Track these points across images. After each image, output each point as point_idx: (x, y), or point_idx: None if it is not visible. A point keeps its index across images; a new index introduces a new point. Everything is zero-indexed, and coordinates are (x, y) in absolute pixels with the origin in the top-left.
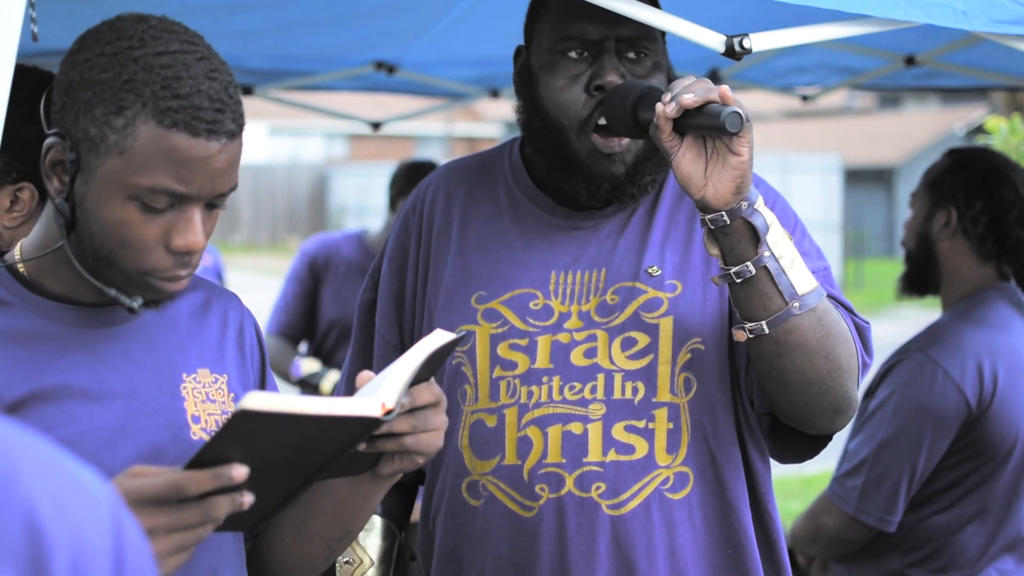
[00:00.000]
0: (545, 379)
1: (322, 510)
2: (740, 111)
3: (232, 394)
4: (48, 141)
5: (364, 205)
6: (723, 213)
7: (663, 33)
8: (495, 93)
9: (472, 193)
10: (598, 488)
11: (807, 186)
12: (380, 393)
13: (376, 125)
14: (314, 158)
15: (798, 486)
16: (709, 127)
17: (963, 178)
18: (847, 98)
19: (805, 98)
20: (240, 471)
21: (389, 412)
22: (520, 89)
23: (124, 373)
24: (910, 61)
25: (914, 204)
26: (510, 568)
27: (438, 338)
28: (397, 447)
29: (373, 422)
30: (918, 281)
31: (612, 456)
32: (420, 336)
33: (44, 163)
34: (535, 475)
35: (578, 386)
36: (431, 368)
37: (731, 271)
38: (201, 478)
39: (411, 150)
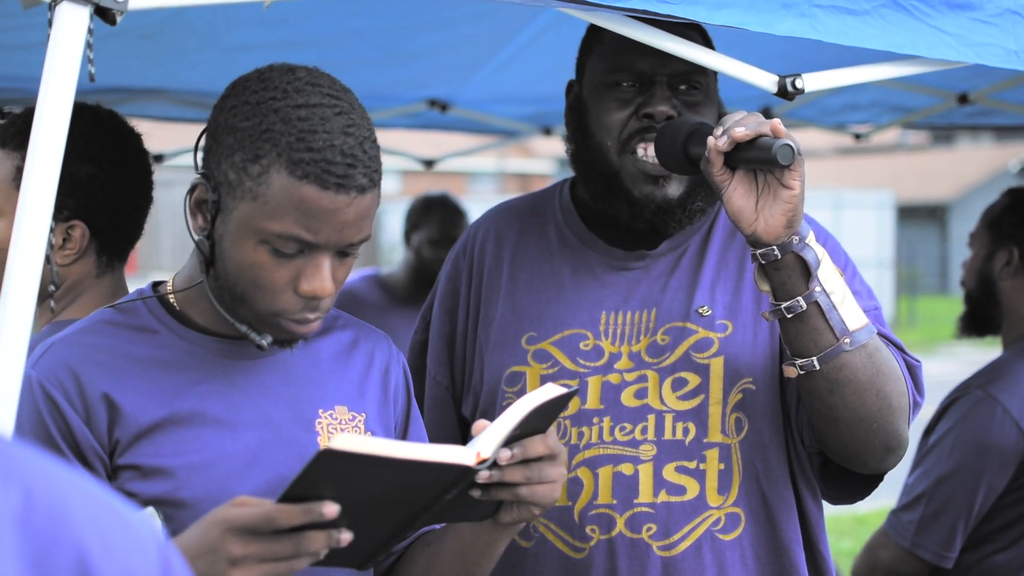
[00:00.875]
0: (595, 420)
1: (448, 552)
2: (792, 144)
3: (369, 432)
4: (194, 180)
5: None
6: (774, 247)
7: None
8: (548, 130)
9: (523, 234)
10: (649, 529)
11: (860, 223)
12: (478, 443)
13: (429, 163)
14: None
15: (850, 524)
16: (760, 160)
17: (1023, 216)
18: (900, 135)
19: (858, 136)
20: (330, 508)
21: (483, 461)
22: (570, 120)
23: (260, 404)
24: (963, 99)
25: (973, 244)
26: None
27: (548, 391)
28: (511, 497)
29: (466, 470)
30: (978, 321)
31: (663, 497)
32: (471, 378)
33: (190, 201)
34: (586, 516)
35: (628, 427)
36: (546, 420)
37: (782, 306)
38: (292, 512)
39: (463, 186)
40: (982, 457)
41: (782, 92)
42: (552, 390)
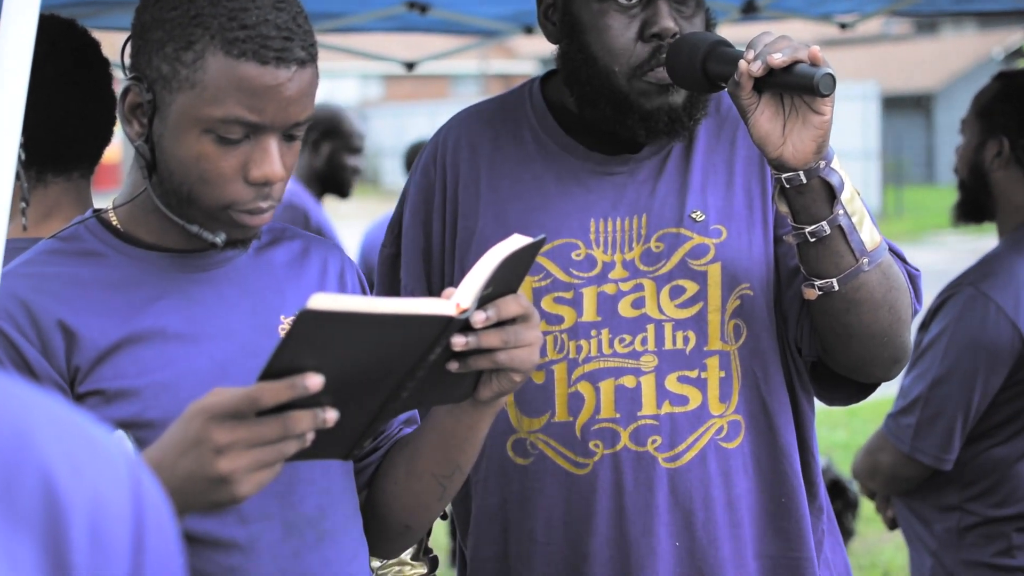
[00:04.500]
0: (593, 332)
1: (429, 445)
2: (833, 72)
3: None
4: (124, 85)
5: (401, 145)
6: (800, 172)
7: None
8: (529, 29)
9: (497, 140)
10: (654, 441)
11: (845, 114)
12: (456, 295)
13: (410, 65)
14: (350, 100)
15: (842, 416)
16: (797, 87)
17: (1014, 106)
18: (884, 25)
19: (843, 26)
20: (315, 380)
21: (464, 312)
22: (560, 36)
23: (220, 315)
24: None
25: (964, 132)
26: (562, 526)
27: (515, 241)
28: (490, 364)
29: (448, 323)
30: (972, 210)
31: (667, 408)
32: None
33: (123, 108)
34: (588, 431)
35: (628, 338)
36: (514, 277)
37: (806, 230)
38: (276, 388)
39: (446, 89)
40: (976, 357)
41: None
42: (520, 240)
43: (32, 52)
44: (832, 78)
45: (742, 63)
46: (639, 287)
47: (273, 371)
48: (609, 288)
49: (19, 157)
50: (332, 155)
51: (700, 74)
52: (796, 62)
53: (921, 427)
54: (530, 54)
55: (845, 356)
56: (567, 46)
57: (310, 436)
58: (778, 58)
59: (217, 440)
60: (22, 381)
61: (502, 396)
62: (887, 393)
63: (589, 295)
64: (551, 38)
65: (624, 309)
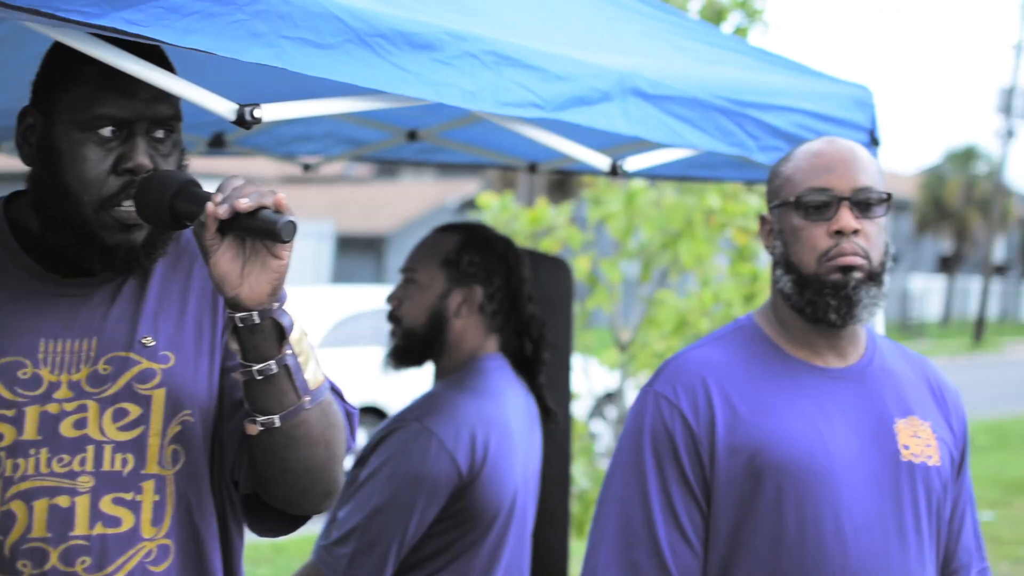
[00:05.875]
0: (32, 451)
1: None
2: (295, 220)
3: None
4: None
5: None
6: (254, 313)
7: None
8: None
9: None
10: (83, 562)
11: (300, 251)
12: None
13: None
14: None
15: (268, 552)
16: (260, 232)
17: (484, 256)
18: (345, 167)
19: (307, 167)
20: None
21: None
22: (36, 159)
23: None
24: (412, 136)
25: (420, 279)
26: None
27: None
28: None
29: None
30: (418, 354)
31: (99, 529)
32: None
33: None
34: (18, 551)
35: (67, 458)
36: None
37: (254, 368)
38: None
39: None
40: (417, 488)
41: (240, 121)
42: None
43: None
44: (293, 226)
45: (209, 205)
46: (83, 408)
47: None
48: (52, 408)
49: None
50: None
51: (167, 211)
52: (261, 208)
53: (356, 556)
54: None
55: (280, 489)
56: (41, 170)
57: None
58: (244, 203)
59: None
60: None
61: None
62: (312, 530)
63: (31, 414)
64: (26, 160)
65: (66, 429)
